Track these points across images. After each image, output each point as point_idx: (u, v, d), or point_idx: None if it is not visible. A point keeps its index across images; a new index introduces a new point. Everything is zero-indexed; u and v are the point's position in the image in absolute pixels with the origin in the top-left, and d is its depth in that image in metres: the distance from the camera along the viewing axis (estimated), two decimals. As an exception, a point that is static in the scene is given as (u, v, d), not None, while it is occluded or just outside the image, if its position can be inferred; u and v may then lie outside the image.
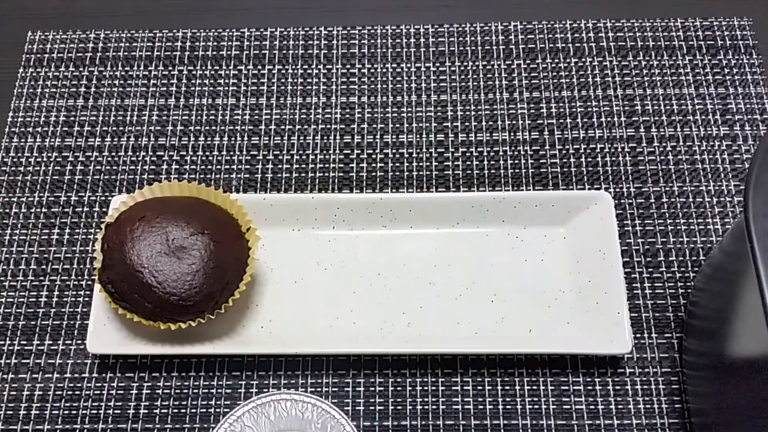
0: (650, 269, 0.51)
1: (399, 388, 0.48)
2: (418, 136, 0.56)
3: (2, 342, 0.50)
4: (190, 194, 0.49)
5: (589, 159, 0.55)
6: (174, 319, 0.45)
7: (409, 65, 0.59)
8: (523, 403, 0.47)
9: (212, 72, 0.59)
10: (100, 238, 0.47)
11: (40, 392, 0.48)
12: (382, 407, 0.48)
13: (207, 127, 0.57)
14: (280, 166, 0.55)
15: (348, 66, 0.59)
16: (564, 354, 0.48)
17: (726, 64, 0.58)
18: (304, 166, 0.55)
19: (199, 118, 0.57)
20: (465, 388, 0.48)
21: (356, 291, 0.50)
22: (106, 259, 0.46)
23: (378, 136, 0.56)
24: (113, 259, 0.45)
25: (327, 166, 0.55)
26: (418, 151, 0.56)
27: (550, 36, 0.60)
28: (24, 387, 0.49)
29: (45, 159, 0.56)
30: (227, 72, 0.59)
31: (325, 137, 0.56)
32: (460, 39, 0.60)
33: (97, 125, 0.57)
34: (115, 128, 0.57)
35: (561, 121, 0.56)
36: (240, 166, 0.55)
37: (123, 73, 0.59)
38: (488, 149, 0.56)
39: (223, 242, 0.46)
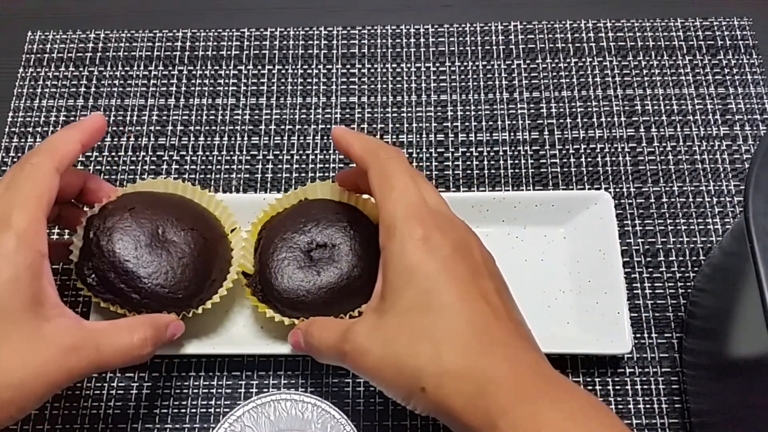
0: (650, 269, 0.51)
1: (399, 388, 0.48)
2: (418, 136, 0.56)
3: (2, 342, 0.50)
4: (174, 191, 0.49)
5: (589, 159, 0.55)
6: (159, 312, 0.45)
7: (409, 65, 0.59)
8: (523, 403, 0.47)
9: (212, 72, 0.59)
10: (82, 227, 0.45)
11: (40, 392, 0.48)
12: (382, 407, 0.48)
13: (207, 127, 0.57)
14: (280, 166, 0.55)
15: (348, 66, 0.59)
16: (564, 354, 0.48)
17: (726, 64, 0.58)
18: (304, 166, 0.55)
19: (199, 118, 0.57)
20: (465, 388, 0.48)
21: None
22: (92, 248, 0.44)
23: (378, 136, 0.56)
24: (100, 248, 0.44)
25: (327, 166, 0.55)
26: (418, 151, 0.56)
27: (550, 36, 0.60)
28: (24, 387, 0.49)
29: (45, 159, 0.56)
30: (227, 72, 0.59)
31: (325, 137, 0.56)
32: (460, 39, 0.60)
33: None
34: (115, 128, 0.57)
35: (561, 121, 0.56)
36: (240, 166, 0.55)
37: (123, 73, 0.59)
38: (488, 149, 0.56)
39: (211, 240, 0.46)
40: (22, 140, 0.57)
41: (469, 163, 0.55)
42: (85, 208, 0.47)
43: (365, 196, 0.48)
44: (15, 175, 0.40)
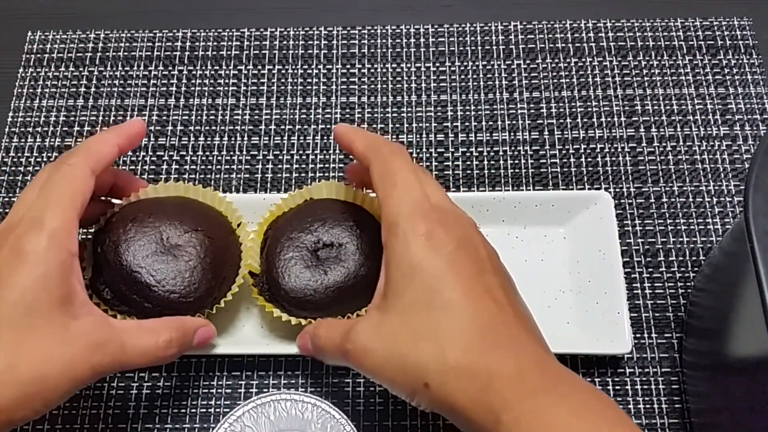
0: (650, 269, 0.51)
1: (399, 388, 0.48)
2: (418, 136, 0.56)
3: (2, 342, 0.50)
4: (177, 194, 0.49)
5: (589, 159, 0.55)
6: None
7: (409, 65, 0.59)
8: (523, 403, 0.47)
9: (212, 72, 0.59)
10: (91, 243, 0.46)
11: (40, 392, 0.48)
12: (382, 407, 0.48)
13: (207, 127, 0.57)
14: (280, 166, 0.55)
15: (348, 66, 0.59)
16: (564, 354, 0.48)
17: (726, 64, 0.58)
18: (304, 166, 0.55)
19: (199, 118, 0.57)
20: (465, 388, 0.48)
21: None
22: (101, 262, 0.45)
23: (378, 136, 0.56)
24: (108, 262, 0.44)
25: (327, 166, 0.55)
26: (418, 151, 0.56)
27: (550, 36, 0.60)
28: (24, 387, 0.49)
29: (45, 159, 0.56)
30: (227, 72, 0.59)
31: (325, 137, 0.56)
32: (460, 39, 0.60)
33: (97, 125, 0.57)
34: (115, 128, 0.57)
35: (561, 121, 0.56)
36: (240, 166, 0.55)
37: (123, 73, 0.59)
38: (488, 149, 0.56)
39: (217, 237, 0.46)
40: (22, 140, 0.57)
41: (469, 163, 0.55)
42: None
43: (372, 195, 0.48)
44: (50, 175, 0.40)
